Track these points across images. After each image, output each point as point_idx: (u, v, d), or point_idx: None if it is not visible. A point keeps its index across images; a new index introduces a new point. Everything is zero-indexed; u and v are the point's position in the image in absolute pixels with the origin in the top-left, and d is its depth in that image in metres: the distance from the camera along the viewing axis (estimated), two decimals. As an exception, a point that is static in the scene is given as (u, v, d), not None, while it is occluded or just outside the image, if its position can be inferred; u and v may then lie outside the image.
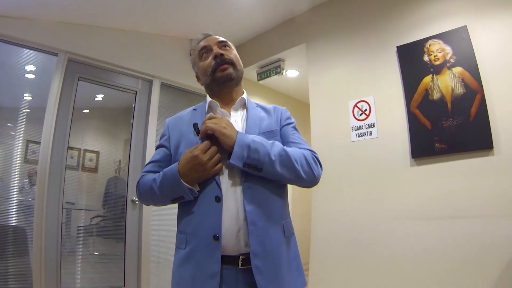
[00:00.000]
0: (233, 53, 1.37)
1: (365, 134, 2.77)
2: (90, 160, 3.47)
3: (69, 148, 3.15)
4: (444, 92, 2.33)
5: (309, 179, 1.20)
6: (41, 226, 2.75)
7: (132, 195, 3.38)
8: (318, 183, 1.26)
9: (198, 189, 1.16)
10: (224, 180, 1.16)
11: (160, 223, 3.54)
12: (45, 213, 2.79)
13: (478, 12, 2.31)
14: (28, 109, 3.00)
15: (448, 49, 2.35)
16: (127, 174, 3.48)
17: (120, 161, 3.62)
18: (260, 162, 1.11)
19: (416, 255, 2.33)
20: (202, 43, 1.37)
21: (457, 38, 2.33)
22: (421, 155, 2.42)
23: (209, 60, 1.32)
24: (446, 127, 2.30)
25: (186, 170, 1.13)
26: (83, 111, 3.53)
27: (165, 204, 1.27)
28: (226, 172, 1.17)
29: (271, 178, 1.15)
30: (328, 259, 2.83)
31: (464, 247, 2.13)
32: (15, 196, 2.78)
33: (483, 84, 2.18)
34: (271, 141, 1.17)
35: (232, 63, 1.32)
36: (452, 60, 2.33)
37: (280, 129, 1.33)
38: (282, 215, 1.21)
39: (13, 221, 2.77)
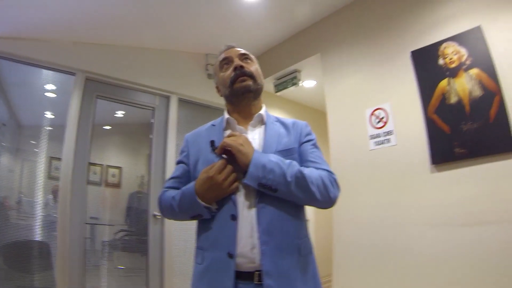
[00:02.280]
0: (254, 66, 1.37)
1: (383, 142, 2.73)
2: (113, 175, 3.51)
3: (92, 164, 3.20)
4: (461, 95, 2.28)
5: (324, 201, 1.18)
6: (65, 241, 2.81)
7: (154, 209, 3.41)
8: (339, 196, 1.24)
9: (216, 207, 1.17)
10: (241, 198, 1.17)
11: (182, 236, 3.54)
12: (68, 228, 2.85)
13: (492, 11, 2.25)
14: (50, 126, 3.08)
15: (463, 51, 2.30)
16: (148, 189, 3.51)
17: (142, 176, 3.65)
18: (276, 182, 1.11)
19: (438, 261, 2.26)
20: (223, 54, 1.39)
21: (471, 39, 2.28)
22: (441, 161, 2.36)
23: (229, 72, 1.33)
24: (465, 131, 2.24)
25: (203, 190, 1.15)
26: (104, 127, 3.60)
27: (185, 220, 1.29)
28: (242, 190, 1.18)
29: (286, 198, 1.15)
30: (350, 265, 2.80)
31: (488, 252, 2.05)
32: (39, 212, 2.86)
33: (501, 85, 2.12)
34: (288, 161, 1.16)
35: (251, 76, 1.32)
36: (468, 62, 2.27)
37: (299, 146, 1.31)
38: (298, 234, 1.19)
39: (38, 236, 2.84)
